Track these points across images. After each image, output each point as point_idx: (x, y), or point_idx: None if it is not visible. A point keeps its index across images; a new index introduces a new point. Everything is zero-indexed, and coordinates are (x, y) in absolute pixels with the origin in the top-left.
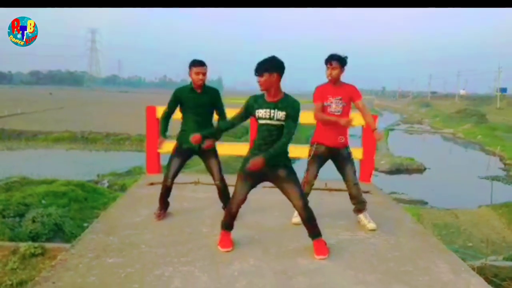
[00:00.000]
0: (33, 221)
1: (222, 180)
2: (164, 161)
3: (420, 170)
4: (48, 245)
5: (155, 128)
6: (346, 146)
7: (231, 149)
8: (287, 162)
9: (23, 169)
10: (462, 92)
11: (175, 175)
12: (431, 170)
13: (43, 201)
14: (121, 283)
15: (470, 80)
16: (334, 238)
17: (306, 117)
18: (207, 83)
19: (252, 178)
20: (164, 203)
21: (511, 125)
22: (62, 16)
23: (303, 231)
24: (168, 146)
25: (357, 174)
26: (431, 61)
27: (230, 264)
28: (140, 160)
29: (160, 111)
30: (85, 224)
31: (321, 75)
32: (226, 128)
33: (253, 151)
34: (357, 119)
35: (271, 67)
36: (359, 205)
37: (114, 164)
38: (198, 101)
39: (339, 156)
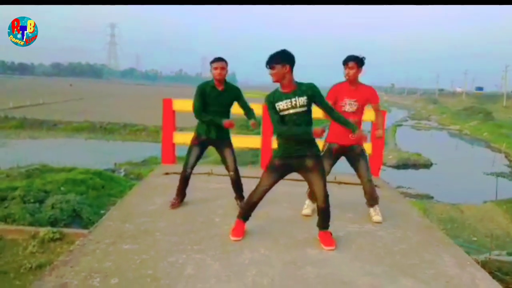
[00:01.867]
0: (52, 207)
1: (236, 171)
2: (178, 152)
3: (427, 165)
4: (67, 230)
5: (170, 119)
6: (358, 143)
7: (243, 141)
8: (315, 151)
9: (43, 157)
10: (458, 89)
11: (194, 165)
12: (438, 165)
13: (62, 188)
14: (136, 268)
15: (477, 79)
16: (342, 230)
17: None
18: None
19: (280, 171)
20: (181, 192)
21: None
22: (82, 11)
23: (312, 222)
24: (183, 138)
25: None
26: (439, 59)
27: (241, 253)
28: (156, 150)
29: (176, 103)
30: (102, 211)
31: (329, 72)
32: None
33: (282, 143)
34: (367, 114)
35: (282, 59)
36: (372, 201)
37: (131, 154)
38: (219, 98)
39: (352, 153)
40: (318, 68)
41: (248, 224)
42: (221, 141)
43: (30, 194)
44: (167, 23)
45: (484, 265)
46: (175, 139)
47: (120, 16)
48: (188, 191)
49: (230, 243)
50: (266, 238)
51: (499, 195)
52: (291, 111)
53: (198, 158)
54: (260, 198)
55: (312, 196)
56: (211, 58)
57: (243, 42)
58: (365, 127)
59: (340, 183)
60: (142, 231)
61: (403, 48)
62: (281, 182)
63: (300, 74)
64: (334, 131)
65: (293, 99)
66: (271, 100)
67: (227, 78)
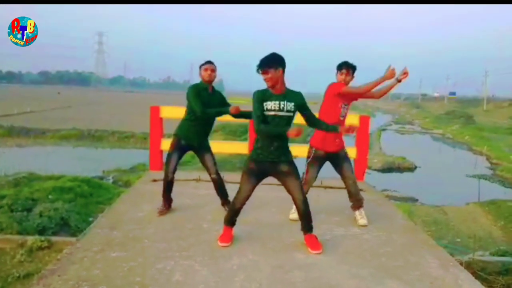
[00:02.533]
0: (40, 215)
1: (217, 173)
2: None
3: (411, 168)
4: (55, 238)
5: (158, 126)
6: (343, 148)
7: (231, 147)
8: (289, 158)
9: (31, 165)
10: (436, 94)
11: (175, 169)
12: (422, 168)
13: (50, 196)
14: (124, 276)
15: (458, 84)
16: (329, 234)
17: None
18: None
19: (256, 175)
20: (167, 199)
21: (497, 127)
22: (70, 18)
23: (299, 226)
24: (169, 144)
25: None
26: (422, 65)
27: (229, 259)
28: (144, 157)
29: (164, 110)
30: (90, 219)
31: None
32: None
33: (258, 146)
34: (351, 120)
35: (275, 63)
36: (357, 202)
37: (119, 161)
38: (210, 101)
39: (337, 158)
40: (301, 74)
41: (237, 229)
42: (200, 146)
43: (18, 203)
44: (154, 31)
45: (468, 265)
46: (163, 146)
47: (108, 24)
48: (176, 197)
49: (219, 249)
50: (254, 243)
51: (482, 197)
52: (277, 113)
53: (178, 162)
54: (243, 204)
55: None
56: (199, 65)
57: (231, 49)
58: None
59: (326, 187)
60: (130, 238)
61: (386, 54)
62: (270, 187)
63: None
64: (320, 137)
65: (281, 102)
66: (260, 97)
67: (217, 86)
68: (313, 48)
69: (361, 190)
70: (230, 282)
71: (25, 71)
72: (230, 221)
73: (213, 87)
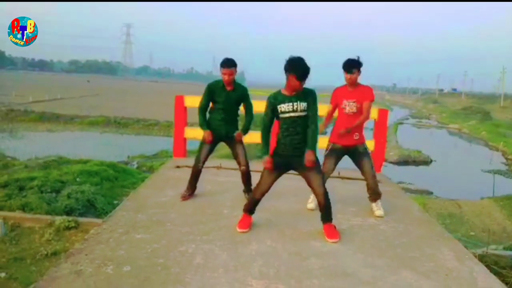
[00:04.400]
0: (68, 197)
1: (247, 165)
2: (189, 147)
3: (427, 162)
4: (81, 219)
5: (182, 115)
6: (362, 143)
7: (250, 136)
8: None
9: (60, 149)
10: (445, 90)
11: (205, 159)
12: (437, 162)
13: (77, 179)
14: (148, 257)
15: (476, 80)
16: (346, 224)
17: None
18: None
19: (279, 168)
20: (192, 186)
21: None
22: (100, 11)
23: (317, 216)
24: (194, 133)
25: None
26: (439, 61)
27: (248, 244)
28: (168, 144)
29: (188, 100)
30: (115, 202)
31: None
32: (267, 143)
33: (281, 144)
34: (372, 112)
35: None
36: (374, 196)
37: (143, 147)
38: (227, 98)
39: (356, 152)
40: (320, 68)
41: (256, 216)
42: (232, 137)
43: (47, 184)
44: (179, 24)
45: (481, 259)
46: (186, 134)
47: (136, 17)
48: (198, 184)
49: (238, 234)
50: (272, 230)
51: (496, 192)
52: (292, 114)
53: (209, 153)
54: (263, 195)
55: None
56: (221, 57)
57: (253, 40)
58: (368, 125)
59: (343, 178)
60: (154, 221)
61: (404, 49)
62: (288, 176)
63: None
64: (336, 132)
65: (295, 103)
66: (272, 101)
67: (238, 78)
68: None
69: (378, 181)
70: (248, 267)
71: (56, 60)
72: (249, 210)
73: (235, 84)
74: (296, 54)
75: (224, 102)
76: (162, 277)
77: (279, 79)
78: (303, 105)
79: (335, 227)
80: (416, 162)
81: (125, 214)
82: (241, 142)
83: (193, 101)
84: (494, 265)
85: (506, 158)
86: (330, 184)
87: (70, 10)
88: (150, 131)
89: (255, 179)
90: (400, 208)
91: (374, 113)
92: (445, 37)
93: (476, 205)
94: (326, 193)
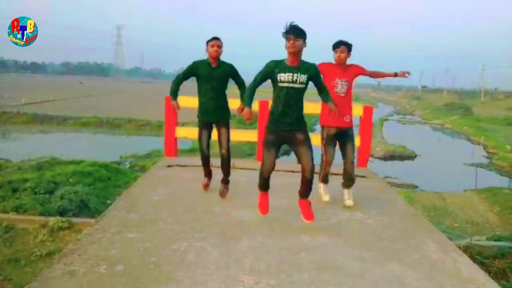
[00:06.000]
0: (61, 198)
1: (228, 150)
2: (180, 146)
3: (412, 157)
4: (75, 219)
5: (173, 115)
6: (351, 126)
7: (241, 135)
8: (304, 127)
9: (53, 151)
10: (419, 87)
11: (208, 144)
12: (421, 157)
13: (70, 180)
14: (140, 256)
15: (457, 76)
16: (334, 218)
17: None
18: None
19: (275, 144)
20: (208, 172)
21: (494, 118)
22: (90, 12)
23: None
24: (185, 132)
25: (355, 160)
26: (422, 58)
27: (239, 241)
28: (159, 144)
29: (179, 100)
30: (108, 201)
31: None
32: (249, 97)
33: (274, 118)
34: (355, 110)
35: (304, 34)
36: (348, 181)
37: (136, 147)
38: (212, 74)
39: (345, 135)
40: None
41: (246, 213)
42: (220, 121)
43: (41, 186)
44: (169, 25)
45: (465, 249)
46: (177, 134)
47: (126, 18)
48: (190, 182)
49: (229, 231)
50: (263, 226)
51: (479, 184)
52: (290, 84)
53: (209, 137)
54: (270, 173)
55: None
56: (206, 41)
57: (240, 42)
58: (354, 121)
59: (331, 174)
60: (146, 220)
61: (388, 47)
62: (278, 173)
63: None
64: (326, 114)
65: (295, 74)
66: (272, 67)
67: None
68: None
69: (364, 176)
70: (240, 263)
71: (48, 62)
72: (264, 186)
73: (220, 62)
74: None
75: (209, 78)
76: (154, 276)
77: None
78: (303, 77)
79: (310, 204)
80: (401, 157)
81: (118, 213)
82: (227, 126)
83: (184, 101)
84: (478, 255)
85: (487, 152)
86: (318, 180)
87: (62, 11)
88: (142, 131)
89: (244, 178)
90: (386, 202)
91: (359, 110)
92: (429, 34)
93: (459, 197)
94: (313, 169)
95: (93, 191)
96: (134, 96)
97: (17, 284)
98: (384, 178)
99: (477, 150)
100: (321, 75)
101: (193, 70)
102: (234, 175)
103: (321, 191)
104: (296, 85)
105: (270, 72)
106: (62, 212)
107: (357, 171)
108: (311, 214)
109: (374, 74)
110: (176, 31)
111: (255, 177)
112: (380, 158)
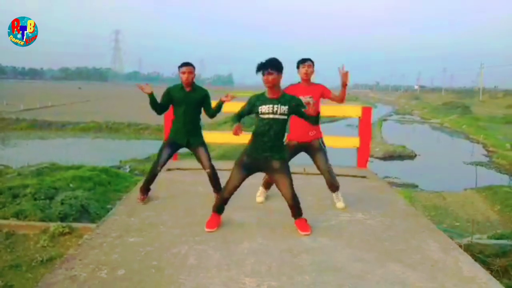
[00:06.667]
0: (62, 203)
1: (211, 167)
2: (180, 150)
3: (411, 156)
4: (75, 224)
5: (172, 119)
6: (318, 138)
7: (232, 138)
8: (283, 156)
9: (53, 156)
10: (416, 87)
11: (164, 163)
12: (421, 156)
13: (70, 185)
14: (141, 260)
15: (455, 75)
16: (335, 219)
17: None
18: (196, 81)
19: (248, 168)
20: (145, 188)
21: (492, 116)
22: (88, 17)
23: (306, 213)
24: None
25: (355, 160)
26: (419, 59)
27: (240, 243)
28: (158, 147)
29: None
30: (109, 206)
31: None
32: (237, 118)
33: (253, 143)
34: (354, 111)
35: (279, 67)
36: (332, 188)
37: (135, 151)
38: (186, 99)
39: (310, 148)
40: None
41: (247, 215)
42: (190, 143)
43: (41, 191)
44: (167, 29)
45: (466, 248)
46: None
47: (124, 22)
48: (190, 185)
49: (230, 234)
50: (263, 228)
51: (479, 183)
52: (271, 116)
53: (169, 158)
54: (231, 194)
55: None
56: (209, 60)
57: (239, 46)
58: (353, 122)
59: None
60: (146, 224)
61: (385, 48)
62: None
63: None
64: (293, 130)
65: (275, 106)
66: (253, 102)
67: (226, 79)
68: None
69: (364, 177)
70: (241, 265)
71: (46, 68)
72: (219, 208)
73: (193, 86)
74: (278, 49)
75: (183, 102)
76: (156, 279)
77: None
78: (283, 108)
79: (306, 220)
80: (401, 157)
81: (118, 218)
82: (203, 145)
83: None
84: (479, 254)
85: (487, 150)
86: (318, 181)
87: (58, 16)
88: (141, 135)
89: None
90: (386, 202)
91: (358, 111)
92: (426, 34)
93: (459, 196)
94: (294, 196)
95: (93, 196)
96: (133, 100)
97: None
98: (384, 178)
99: (476, 149)
100: (302, 107)
101: (168, 95)
102: None
103: (258, 192)
104: (276, 116)
105: (252, 106)
106: (62, 218)
107: (357, 171)
108: (307, 227)
109: (336, 98)
110: (174, 35)
111: (254, 179)
112: (380, 158)
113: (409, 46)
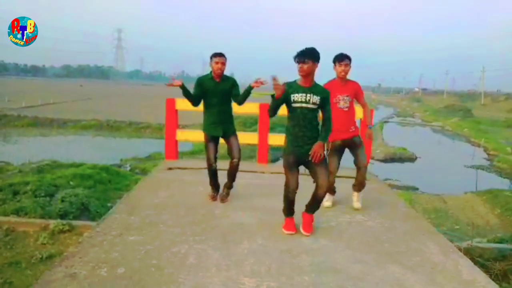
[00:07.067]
0: (62, 201)
1: (239, 159)
2: (181, 148)
3: (412, 159)
4: (75, 222)
5: (173, 118)
6: (358, 135)
7: (242, 138)
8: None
9: (54, 154)
10: (417, 89)
11: (215, 157)
12: (422, 159)
13: (71, 183)
14: (141, 259)
15: (457, 79)
16: (334, 221)
17: None
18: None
19: (296, 165)
20: (214, 185)
21: (494, 120)
22: (90, 15)
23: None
24: (185, 135)
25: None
26: (422, 61)
27: (240, 243)
28: (160, 146)
29: (179, 103)
30: (109, 204)
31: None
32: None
33: (290, 139)
34: (358, 112)
35: (315, 57)
36: (359, 186)
37: (136, 150)
38: (217, 89)
39: (353, 144)
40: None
41: (247, 216)
42: (228, 133)
43: (41, 189)
44: (169, 27)
45: (466, 252)
46: (178, 136)
47: (126, 21)
48: (190, 184)
49: (230, 234)
50: (264, 228)
51: (479, 186)
52: (303, 105)
53: (216, 150)
54: (295, 194)
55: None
56: (210, 56)
57: (241, 44)
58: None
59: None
60: (147, 223)
61: (387, 50)
62: (279, 176)
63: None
64: (335, 128)
65: (308, 95)
66: (286, 89)
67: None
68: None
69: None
70: (240, 266)
71: (48, 65)
72: (289, 211)
73: (223, 77)
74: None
75: (214, 93)
76: (155, 278)
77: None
78: (316, 98)
79: (313, 220)
80: (401, 159)
81: (118, 216)
82: (235, 136)
83: (184, 104)
84: (479, 257)
85: (488, 154)
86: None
87: (60, 14)
88: (142, 133)
89: (243, 180)
90: (386, 204)
91: (359, 113)
92: (429, 36)
93: (460, 199)
94: (327, 188)
95: (94, 194)
96: (134, 99)
97: (18, 287)
98: (385, 180)
99: (477, 152)
100: (330, 104)
101: (200, 85)
102: None
103: (326, 198)
104: (308, 106)
105: (285, 94)
106: (62, 215)
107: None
108: (310, 228)
109: (364, 108)
110: (176, 34)
111: (255, 179)
112: (381, 160)
113: (411, 48)
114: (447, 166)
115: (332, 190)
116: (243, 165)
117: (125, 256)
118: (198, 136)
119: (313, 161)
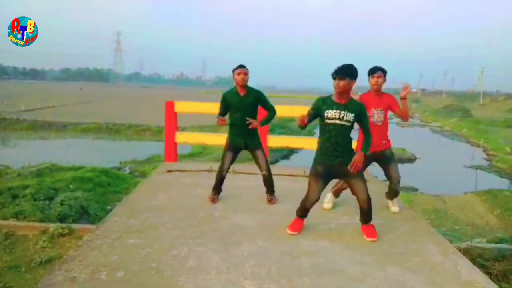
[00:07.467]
0: (61, 204)
1: (268, 170)
2: (180, 151)
3: (411, 159)
4: (75, 226)
5: (173, 120)
6: (389, 147)
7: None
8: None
9: (53, 157)
10: (414, 90)
11: (229, 167)
12: (421, 159)
13: (70, 186)
14: (141, 261)
15: (456, 79)
16: (334, 222)
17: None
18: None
19: (324, 177)
20: (217, 188)
21: (493, 120)
22: (89, 18)
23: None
24: (184, 137)
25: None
26: (421, 61)
27: (240, 246)
28: (159, 149)
29: (178, 105)
30: (108, 207)
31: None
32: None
33: (321, 152)
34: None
35: (353, 74)
36: (393, 195)
37: (135, 152)
38: (242, 103)
39: (383, 157)
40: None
41: (247, 218)
42: (248, 145)
43: (41, 192)
44: (168, 30)
45: (466, 252)
46: (177, 139)
47: (125, 23)
48: (190, 187)
49: (230, 236)
50: (264, 230)
51: (478, 187)
52: (337, 121)
53: (232, 161)
54: (313, 204)
55: (337, 193)
56: (211, 63)
57: (242, 47)
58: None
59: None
60: (146, 226)
61: (386, 51)
62: (279, 177)
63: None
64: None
65: (342, 112)
66: (319, 105)
67: (226, 82)
68: (310, 42)
69: (367, 181)
70: (241, 268)
71: (47, 68)
72: (302, 214)
73: (248, 89)
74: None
75: (238, 108)
76: (155, 281)
77: (265, 82)
78: (350, 116)
79: (373, 227)
80: (401, 160)
81: (118, 219)
82: (261, 148)
83: (184, 107)
84: (478, 257)
85: (487, 154)
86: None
87: (59, 16)
88: (142, 136)
89: (243, 181)
90: (386, 205)
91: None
92: (428, 38)
93: (459, 200)
94: (369, 200)
95: (93, 197)
96: (133, 102)
97: None
98: (384, 181)
99: (476, 152)
100: (367, 117)
101: (225, 101)
102: (234, 180)
103: (326, 199)
104: (342, 122)
105: (318, 109)
106: (62, 218)
107: None
108: (374, 234)
109: (400, 113)
110: (175, 37)
111: (255, 181)
112: None
113: (410, 49)
114: (446, 167)
115: (337, 193)
116: (242, 167)
117: (124, 259)
118: (197, 138)
119: (350, 171)
